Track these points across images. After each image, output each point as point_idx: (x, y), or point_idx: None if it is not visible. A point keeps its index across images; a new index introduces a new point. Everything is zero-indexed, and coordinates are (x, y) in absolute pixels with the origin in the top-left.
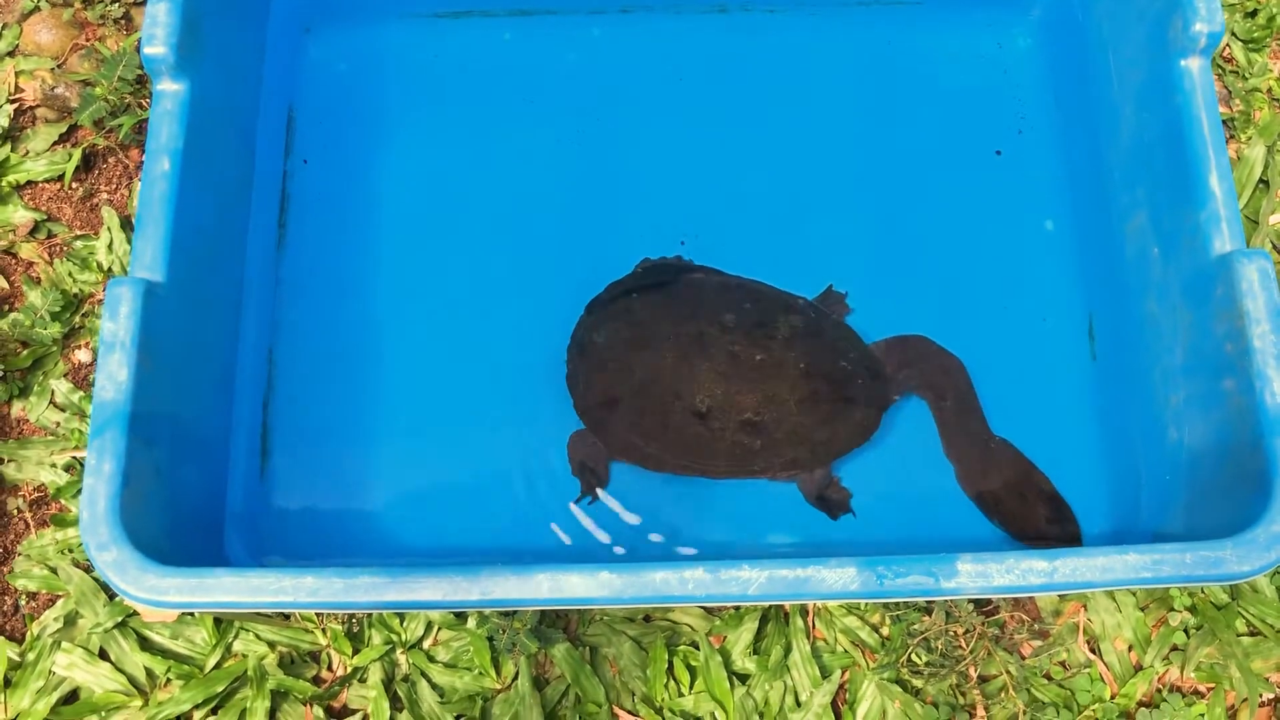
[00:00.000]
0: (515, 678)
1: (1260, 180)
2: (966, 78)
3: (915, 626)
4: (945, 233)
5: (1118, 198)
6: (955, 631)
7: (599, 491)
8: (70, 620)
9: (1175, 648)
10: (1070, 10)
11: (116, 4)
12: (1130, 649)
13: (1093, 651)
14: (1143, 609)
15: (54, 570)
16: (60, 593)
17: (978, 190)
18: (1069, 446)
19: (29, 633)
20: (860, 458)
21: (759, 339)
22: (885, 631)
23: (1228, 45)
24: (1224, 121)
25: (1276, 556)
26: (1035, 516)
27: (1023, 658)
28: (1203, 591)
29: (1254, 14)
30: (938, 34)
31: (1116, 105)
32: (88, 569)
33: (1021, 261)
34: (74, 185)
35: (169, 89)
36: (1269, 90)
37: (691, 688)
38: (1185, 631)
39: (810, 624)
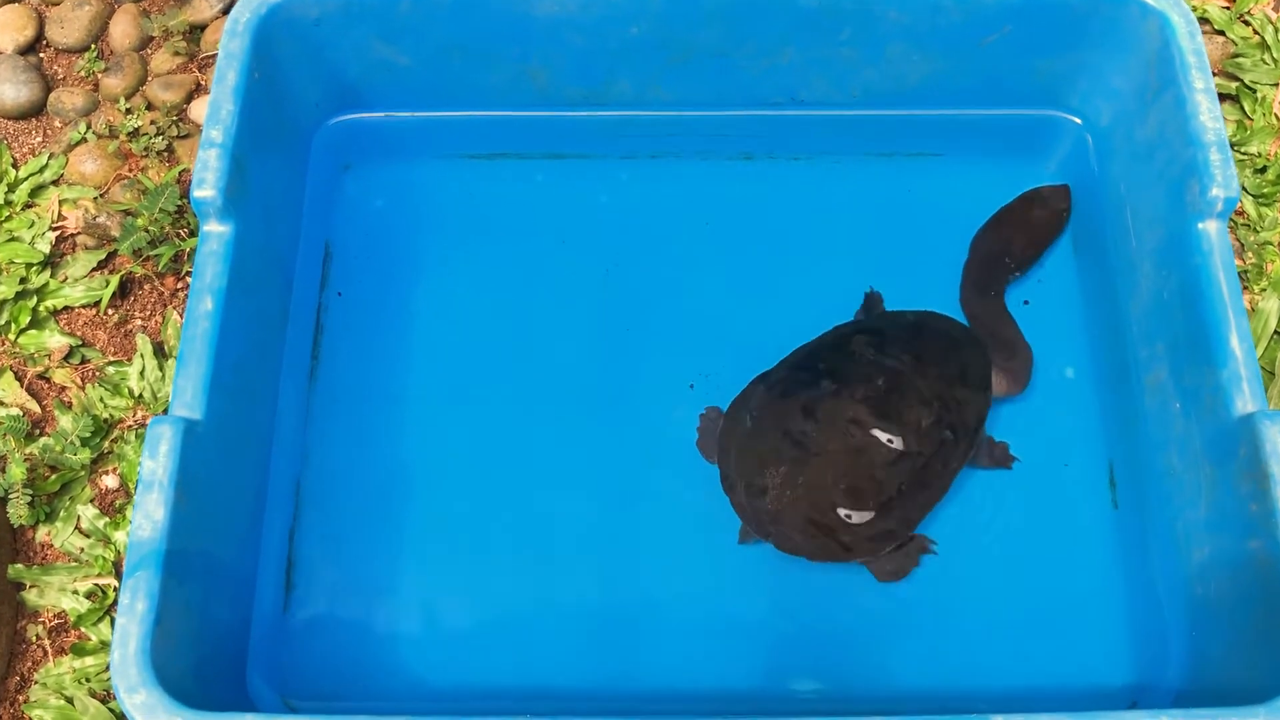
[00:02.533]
0: None
1: (1275, 332)
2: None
3: None
4: None
5: (1137, 351)
6: None
7: None
8: None
9: None
10: (1088, 166)
11: (160, 137)
12: None
13: None
14: None
15: (70, 700)
16: None
17: None
18: (1092, 596)
19: None
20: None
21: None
22: None
23: (1239, 201)
24: (1238, 274)
25: None
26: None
27: None
28: None
29: (1263, 170)
30: (958, 184)
31: (1135, 261)
32: (104, 699)
33: (1042, 407)
34: (109, 311)
35: (215, 230)
36: None
37: None
38: None
39: None
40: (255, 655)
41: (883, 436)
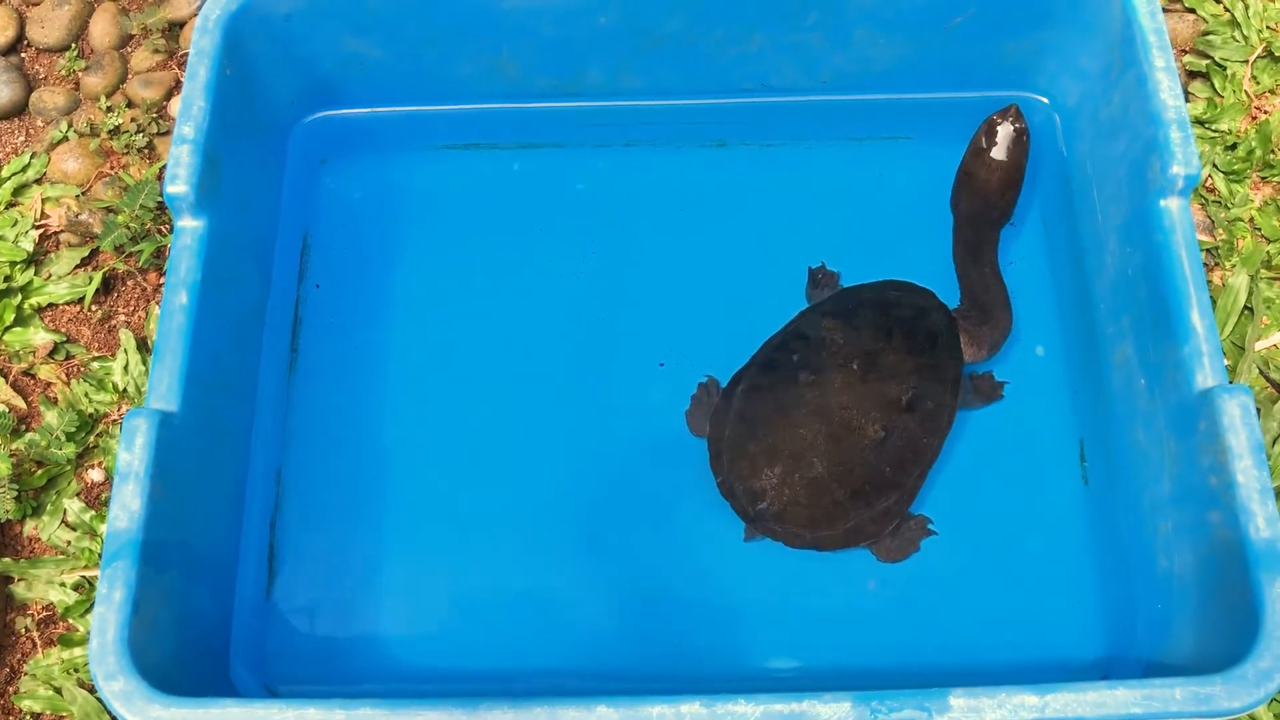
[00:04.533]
0: None
1: (1245, 307)
2: None
3: None
4: None
5: (1105, 328)
6: None
7: None
8: None
9: None
10: (1055, 146)
11: (141, 134)
12: None
13: None
14: None
15: (58, 690)
16: (65, 714)
17: None
18: (1063, 571)
19: None
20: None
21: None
22: None
23: (1210, 176)
24: (1208, 250)
25: (1266, 692)
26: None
27: None
28: None
29: (1234, 147)
30: (930, 166)
31: (1102, 239)
32: (91, 690)
33: (1014, 385)
34: (93, 308)
35: (189, 225)
36: (1250, 219)
37: None
38: None
39: None
40: (238, 642)
41: (868, 420)
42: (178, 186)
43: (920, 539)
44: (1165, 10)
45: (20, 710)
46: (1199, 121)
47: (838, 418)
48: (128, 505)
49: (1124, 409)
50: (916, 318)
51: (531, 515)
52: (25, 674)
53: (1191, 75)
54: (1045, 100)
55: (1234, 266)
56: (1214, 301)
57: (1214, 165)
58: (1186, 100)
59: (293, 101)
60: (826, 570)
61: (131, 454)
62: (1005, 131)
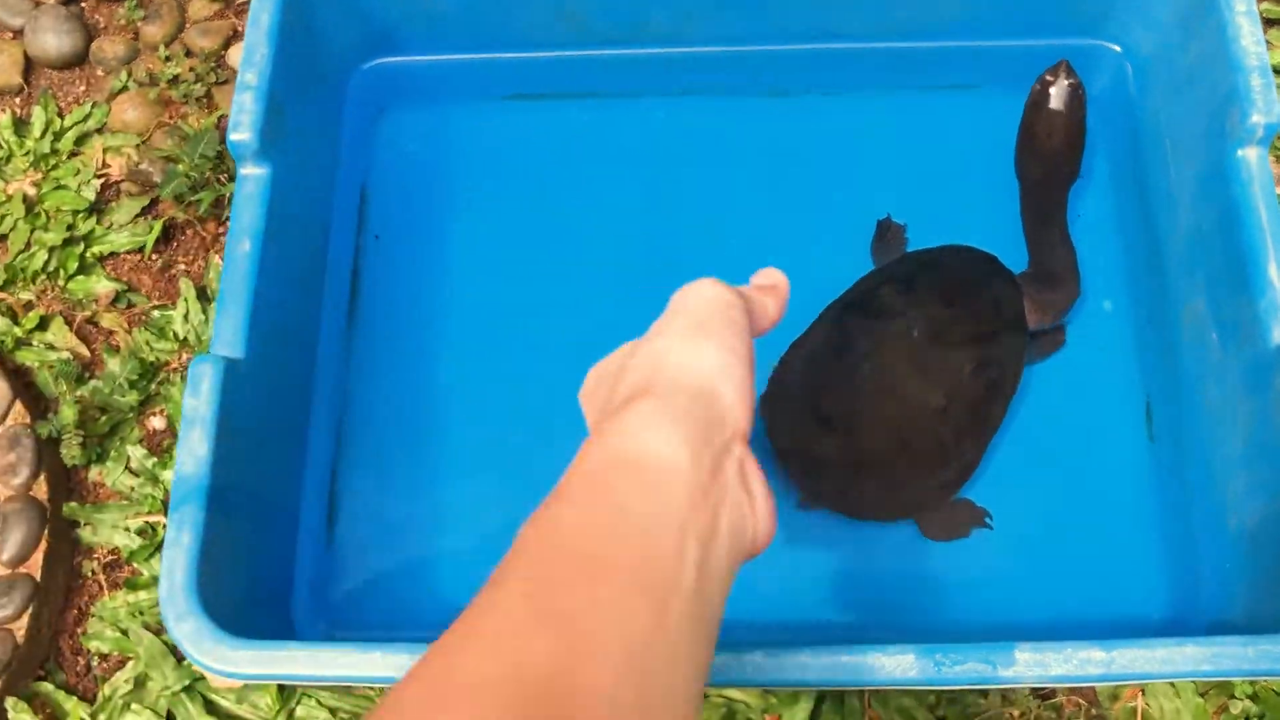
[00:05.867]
0: None
1: None
2: None
3: (971, 709)
4: None
5: (1176, 283)
6: (1011, 715)
7: None
8: (140, 683)
9: None
10: (1127, 96)
11: (199, 84)
12: None
13: None
14: (1202, 695)
15: (125, 633)
16: (131, 655)
17: None
18: (1127, 530)
19: (100, 694)
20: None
21: None
22: (941, 712)
23: None
24: None
25: None
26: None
27: None
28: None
29: None
30: (996, 117)
31: (1174, 192)
32: (157, 632)
33: (1079, 340)
34: (154, 257)
35: (252, 173)
36: None
37: None
38: (1246, 719)
39: (866, 703)
40: (301, 586)
41: (929, 389)
42: (241, 134)
43: (971, 528)
44: None
45: (89, 651)
46: (1278, 70)
47: (899, 387)
48: (195, 451)
49: (1194, 365)
50: (980, 284)
51: None
52: (93, 615)
53: (1268, 23)
54: (1118, 49)
55: None
56: None
57: None
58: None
59: (352, 48)
60: (888, 530)
61: (198, 399)
62: (1060, 89)
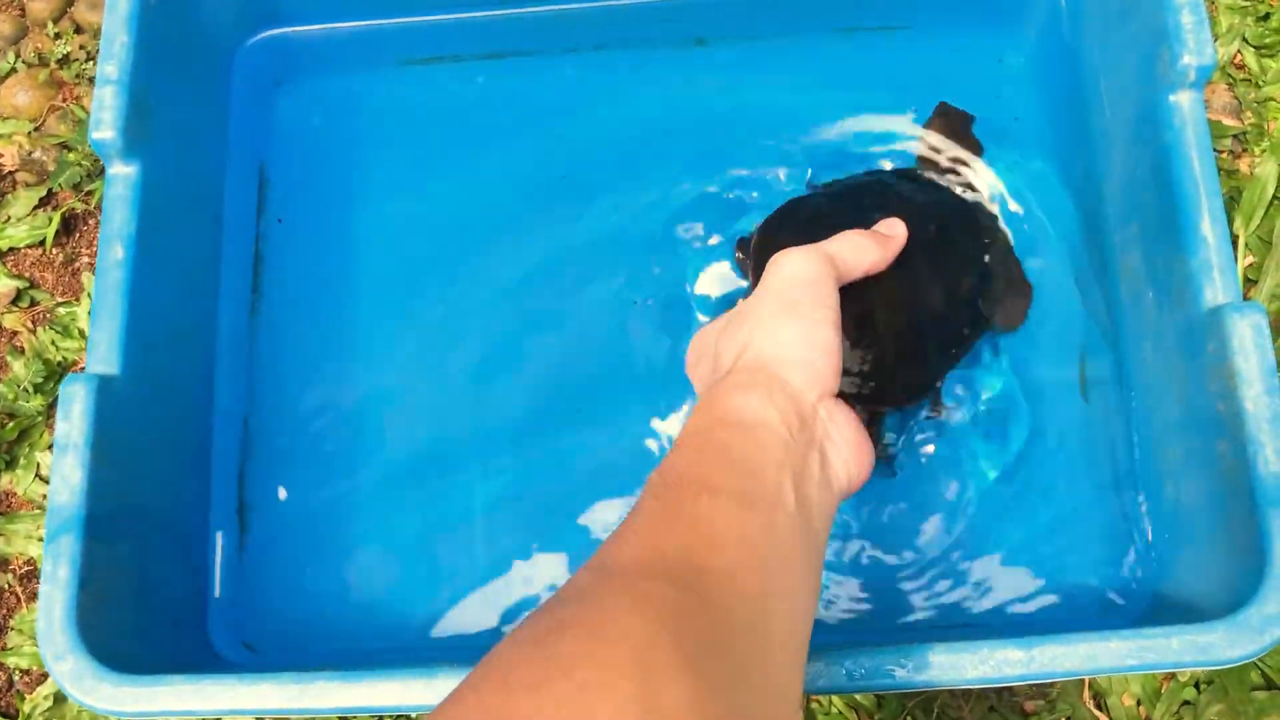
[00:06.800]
0: None
1: (1274, 198)
2: (959, 101)
3: None
4: None
5: (1112, 236)
6: (953, 690)
7: None
8: (60, 699)
9: (1186, 702)
10: (1060, 33)
11: (91, 62)
12: (1139, 704)
13: (1099, 708)
14: None
15: None
16: None
17: None
18: (1061, 494)
19: (21, 711)
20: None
21: None
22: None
23: (1239, 53)
24: (1234, 135)
25: (1269, 640)
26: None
27: (1025, 715)
28: None
29: (1266, 18)
30: (925, 58)
31: (1110, 137)
32: None
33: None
34: (55, 250)
35: (120, 172)
36: None
37: None
38: (1195, 686)
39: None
40: (213, 606)
41: (933, 287)
42: (104, 132)
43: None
44: None
45: (9, 666)
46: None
47: (907, 275)
48: (68, 478)
49: (1131, 325)
50: (984, 223)
51: (515, 453)
52: (11, 629)
53: None
54: None
55: (1263, 153)
56: (1239, 192)
57: (1243, 39)
58: None
59: (232, 24)
60: None
61: (70, 423)
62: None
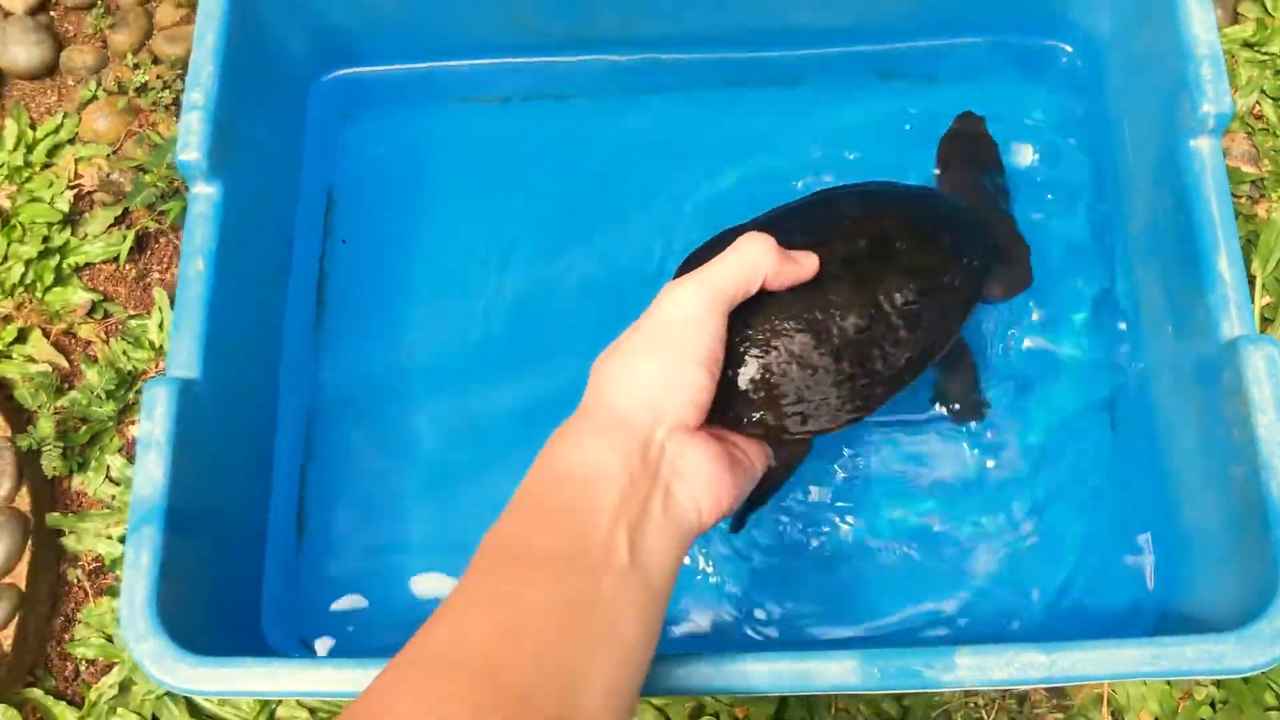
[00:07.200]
0: None
1: None
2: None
3: (937, 697)
4: None
5: (1137, 271)
6: (976, 703)
7: None
8: (124, 687)
9: None
10: (1086, 81)
11: (167, 91)
12: None
13: None
14: (1169, 681)
15: (109, 638)
16: (115, 660)
17: None
18: (1088, 516)
19: (87, 699)
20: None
21: None
22: (907, 702)
23: (1258, 103)
24: (1252, 181)
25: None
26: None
27: None
28: None
29: None
30: (951, 107)
31: (1133, 180)
32: None
33: (1050, 323)
34: (128, 266)
35: (203, 191)
36: None
37: None
38: (1211, 706)
39: (834, 695)
40: (270, 598)
41: (857, 301)
42: (190, 154)
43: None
44: None
45: (76, 657)
46: (1248, 44)
47: (828, 290)
48: (150, 474)
49: (1154, 357)
50: (950, 221)
51: None
52: (79, 622)
53: None
54: (1067, 48)
55: None
56: (1257, 236)
57: (1262, 91)
58: (1236, 22)
59: (309, 61)
60: (838, 535)
61: (153, 423)
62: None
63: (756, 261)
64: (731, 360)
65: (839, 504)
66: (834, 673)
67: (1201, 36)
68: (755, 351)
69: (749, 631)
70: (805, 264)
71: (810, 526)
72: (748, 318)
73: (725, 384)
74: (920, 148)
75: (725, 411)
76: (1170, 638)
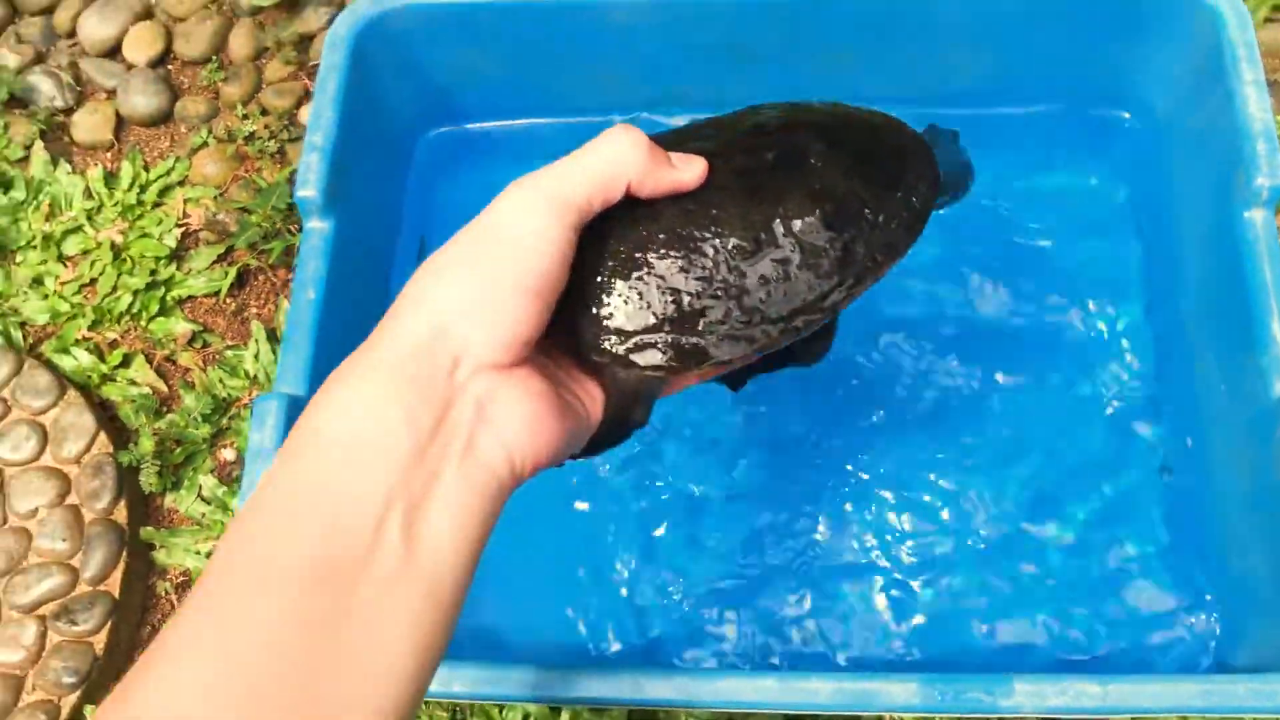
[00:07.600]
0: None
1: None
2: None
3: None
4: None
5: (1190, 334)
6: None
7: None
8: None
9: None
10: (1144, 154)
11: (273, 140)
12: None
13: None
14: None
15: None
16: None
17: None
18: (1139, 562)
19: None
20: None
21: None
22: None
23: None
24: None
25: None
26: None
27: None
28: None
29: None
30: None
31: (1188, 248)
32: None
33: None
34: (228, 300)
35: (317, 227)
36: None
37: None
38: None
39: None
40: None
41: (745, 220)
42: (307, 191)
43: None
44: (1268, 20)
45: None
46: None
47: (716, 199)
48: (258, 482)
49: (1206, 410)
50: (892, 153)
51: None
52: None
53: None
54: (1127, 115)
55: None
56: None
57: None
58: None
59: (417, 119)
60: (901, 565)
61: (262, 434)
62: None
63: (618, 160)
64: (581, 273)
65: (891, 533)
66: (898, 694)
67: (1257, 115)
68: (611, 265)
69: (802, 649)
70: (685, 170)
71: (871, 560)
72: (608, 227)
73: (571, 300)
74: (978, 213)
75: (565, 334)
76: (1222, 675)
